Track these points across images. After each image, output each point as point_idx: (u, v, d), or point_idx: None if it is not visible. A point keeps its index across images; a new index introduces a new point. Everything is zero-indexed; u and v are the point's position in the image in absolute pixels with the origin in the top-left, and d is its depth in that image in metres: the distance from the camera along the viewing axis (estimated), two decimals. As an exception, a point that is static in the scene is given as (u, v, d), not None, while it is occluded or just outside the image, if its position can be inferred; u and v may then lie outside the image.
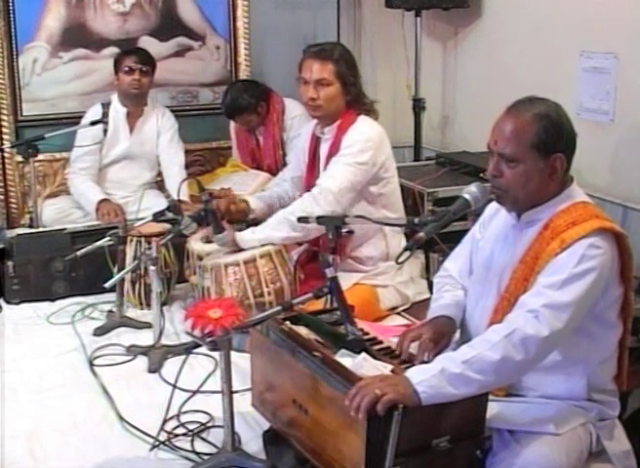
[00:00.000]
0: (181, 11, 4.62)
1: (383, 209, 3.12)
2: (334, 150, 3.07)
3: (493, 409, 1.98)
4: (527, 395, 2.08)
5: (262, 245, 2.99)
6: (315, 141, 3.20)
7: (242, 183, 4.18)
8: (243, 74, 4.72)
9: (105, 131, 3.97)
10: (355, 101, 3.08)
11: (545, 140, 1.99)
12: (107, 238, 3.15)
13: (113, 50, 4.41)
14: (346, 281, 3.00)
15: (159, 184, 4.29)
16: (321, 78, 3.03)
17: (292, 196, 3.34)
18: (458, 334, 2.25)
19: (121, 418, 2.45)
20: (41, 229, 3.84)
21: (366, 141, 3.02)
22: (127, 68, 3.98)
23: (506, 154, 2.01)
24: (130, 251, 3.17)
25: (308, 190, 3.10)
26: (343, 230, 2.72)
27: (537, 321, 1.89)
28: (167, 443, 2.29)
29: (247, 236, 3.02)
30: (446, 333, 2.16)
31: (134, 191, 4.15)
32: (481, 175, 2.16)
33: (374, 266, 3.17)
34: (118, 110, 4.08)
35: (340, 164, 3.01)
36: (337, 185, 2.98)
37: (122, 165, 4.18)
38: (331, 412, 1.92)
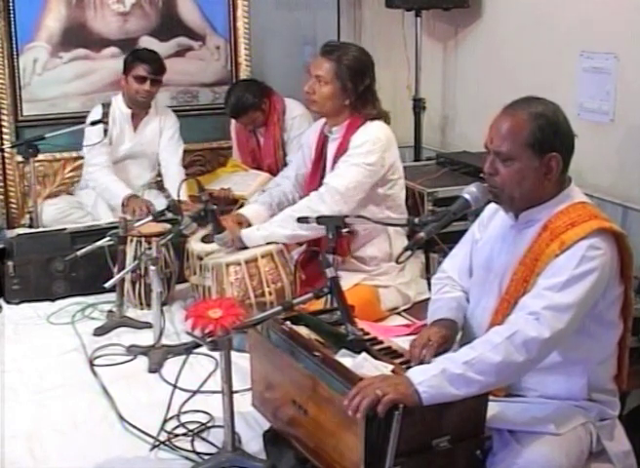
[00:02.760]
0: (182, 11, 4.62)
1: (388, 210, 3.12)
2: (341, 150, 3.06)
3: (493, 409, 1.98)
4: (527, 395, 2.09)
5: (266, 244, 2.99)
6: (323, 140, 3.19)
7: (242, 183, 4.18)
8: (243, 74, 4.72)
9: (106, 131, 3.97)
10: (360, 107, 3.05)
11: (541, 139, 1.99)
12: (107, 238, 3.15)
13: (113, 50, 4.42)
14: (348, 281, 3.00)
15: (159, 184, 4.30)
16: (318, 75, 3.04)
17: (291, 199, 3.32)
18: (459, 336, 2.25)
19: (121, 418, 2.44)
20: (41, 229, 3.84)
21: (374, 143, 3.01)
22: (139, 76, 3.96)
23: (502, 152, 2.02)
24: (130, 251, 3.17)
25: (312, 189, 3.10)
26: (344, 230, 2.72)
27: (538, 323, 1.89)
28: (167, 443, 2.29)
29: (252, 233, 3.02)
30: (450, 337, 2.16)
31: (135, 191, 4.15)
32: (481, 174, 2.15)
33: (376, 266, 3.17)
34: (123, 111, 4.09)
35: (348, 164, 3.00)
36: (344, 185, 2.97)
37: (124, 164, 4.19)
38: (330, 413, 1.92)
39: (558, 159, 2.01)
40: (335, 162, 3.08)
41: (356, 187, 2.99)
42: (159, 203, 3.91)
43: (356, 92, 3.03)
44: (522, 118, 2.00)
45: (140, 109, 4.12)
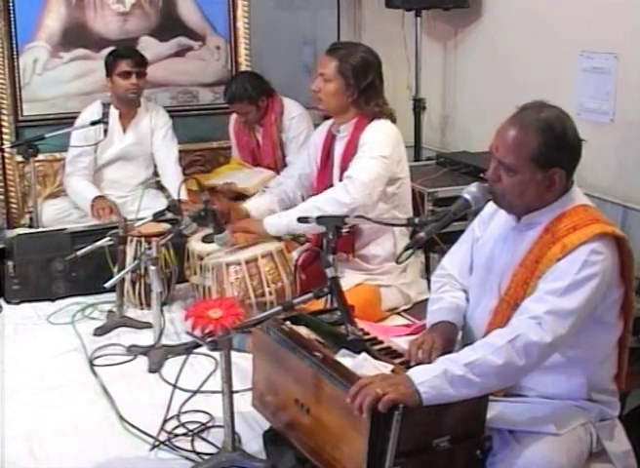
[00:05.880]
0: (182, 11, 4.62)
1: (395, 209, 3.13)
2: (350, 149, 3.07)
3: (493, 408, 1.99)
4: (527, 395, 2.08)
5: (264, 244, 3.00)
6: (330, 139, 3.20)
7: (246, 179, 4.19)
8: (243, 74, 4.72)
9: (106, 131, 3.96)
10: (364, 104, 3.05)
11: (545, 154, 1.98)
12: (107, 238, 3.15)
13: (113, 50, 4.42)
14: (350, 280, 3.01)
15: (158, 184, 4.29)
16: (323, 72, 3.06)
17: (292, 197, 3.33)
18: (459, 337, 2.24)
19: (121, 418, 2.45)
20: (41, 229, 3.83)
21: (386, 137, 3.04)
22: (123, 72, 3.94)
23: (505, 163, 2.01)
24: (130, 251, 3.17)
25: (321, 187, 3.11)
26: (343, 230, 2.72)
27: (540, 327, 1.89)
28: (167, 443, 2.29)
29: (274, 220, 3.05)
30: (452, 340, 2.15)
31: (130, 191, 4.15)
32: (481, 175, 2.15)
33: (378, 265, 3.17)
34: (112, 112, 4.04)
35: (365, 158, 3.01)
36: (367, 176, 2.97)
37: (118, 165, 4.16)
38: (334, 412, 1.92)
39: (561, 174, 2.01)
40: (343, 160, 3.09)
41: (377, 179, 3.00)
42: (159, 203, 3.91)
43: (358, 88, 3.03)
44: (528, 131, 1.98)
45: (129, 108, 4.08)
